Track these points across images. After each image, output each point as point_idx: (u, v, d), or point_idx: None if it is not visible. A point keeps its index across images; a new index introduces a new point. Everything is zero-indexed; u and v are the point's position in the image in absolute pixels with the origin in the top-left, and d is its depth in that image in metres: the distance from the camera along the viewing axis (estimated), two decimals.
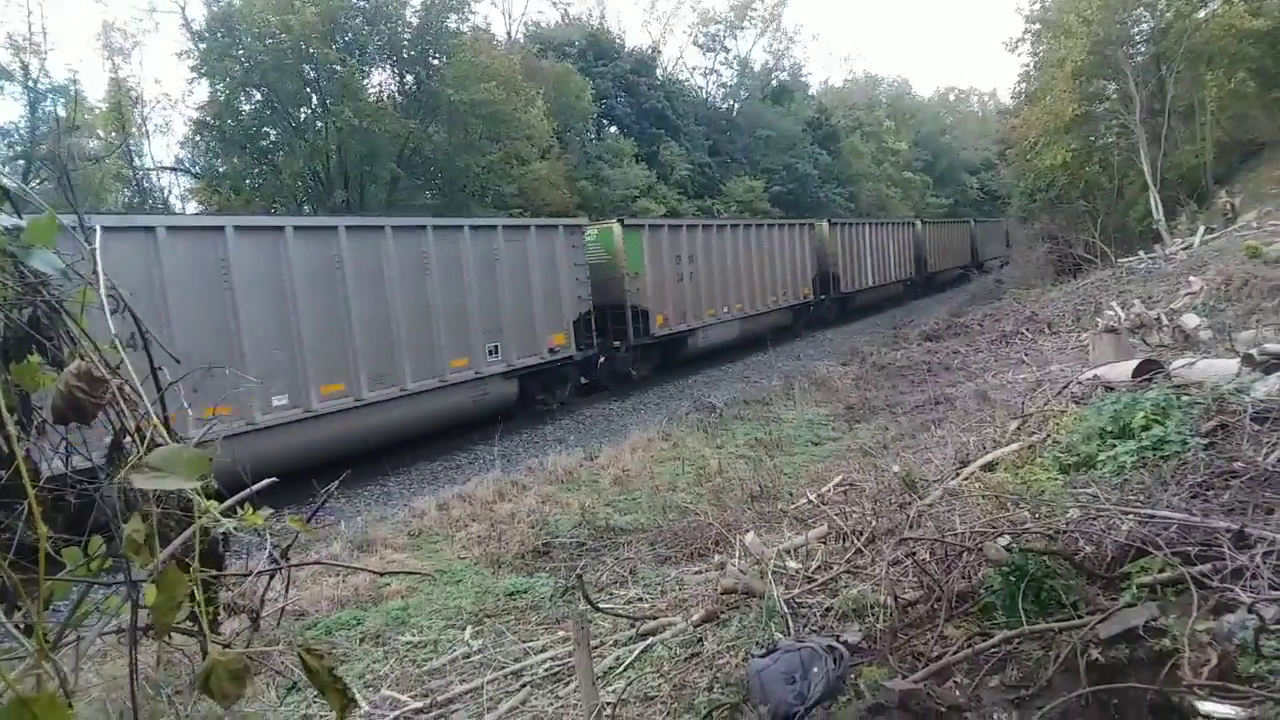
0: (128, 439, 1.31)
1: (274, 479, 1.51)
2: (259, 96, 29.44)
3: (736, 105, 53.39)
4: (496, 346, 16.05)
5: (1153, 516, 4.51)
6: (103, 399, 1.23)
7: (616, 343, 20.66)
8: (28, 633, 1.24)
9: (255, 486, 1.41)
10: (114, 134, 32.37)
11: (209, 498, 1.34)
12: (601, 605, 6.25)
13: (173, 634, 1.42)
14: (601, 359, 20.67)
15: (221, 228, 11.75)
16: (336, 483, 2.07)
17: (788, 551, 6.16)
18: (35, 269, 1.27)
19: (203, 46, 28.45)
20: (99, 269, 1.29)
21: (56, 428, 1.39)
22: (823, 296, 31.64)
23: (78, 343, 1.30)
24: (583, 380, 20.60)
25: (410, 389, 14.12)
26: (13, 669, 0.94)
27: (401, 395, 13.99)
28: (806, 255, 30.05)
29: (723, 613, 5.49)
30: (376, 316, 13.59)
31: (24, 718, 0.89)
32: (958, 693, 3.72)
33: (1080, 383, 8.78)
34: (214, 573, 1.31)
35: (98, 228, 1.60)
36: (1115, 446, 6.05)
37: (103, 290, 1.30)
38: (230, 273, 11.53)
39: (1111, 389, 7.89)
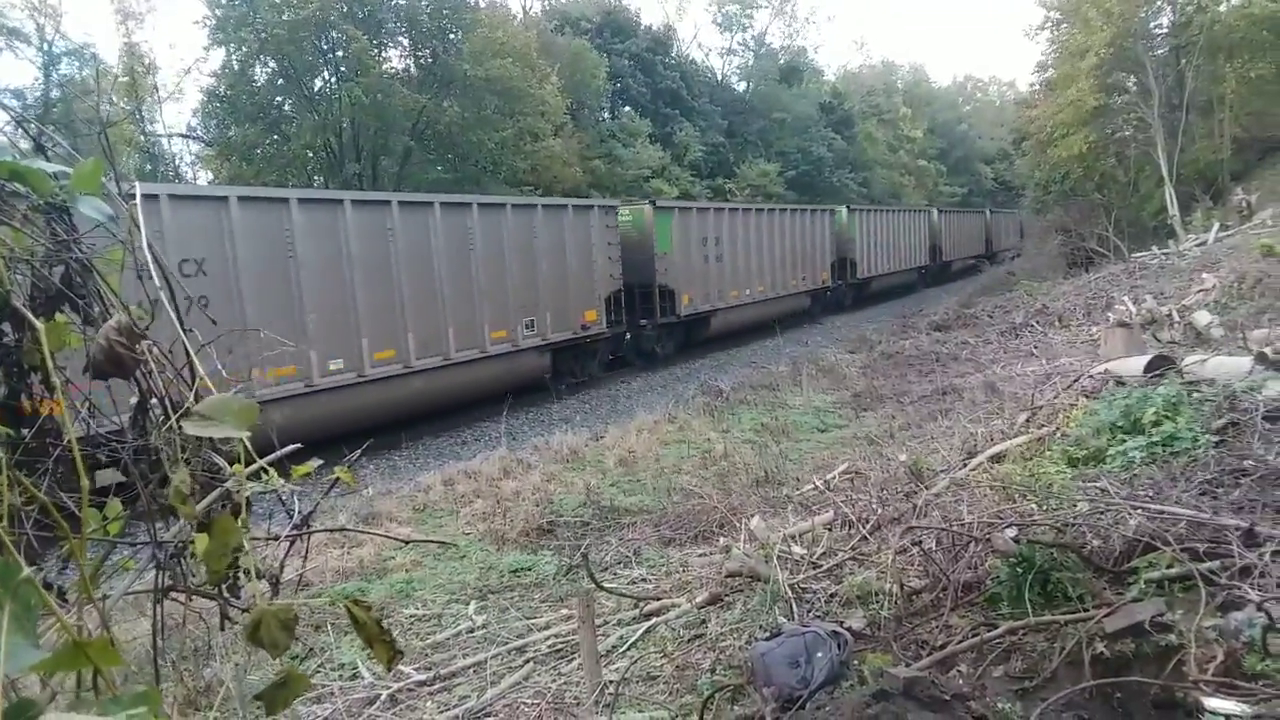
0: (154, 400, 1.31)
1: (298, 445, 1.52)
2: (273, 66, 29.37)
3: (752, 86, 53.09)
4: None
5: (1161, 512, 4.50)
6: (142, 355, 1.23)
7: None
8: (47, 589, 1.24)
9: (282, 451, 1.41)
10: (126, 100, 32.38)
11: (232, 462, 1.34)
12: (605, 585, 6.27)
13: (193, 597, 1.42)
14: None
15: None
16: (360, 450, 2.09)
17: (793, 537, 6.17)
18: (64, 226, 1.26)
19: (219, 13, 28.37)
20: (141, 226, 1.28)
21: (77, 387, 1.39)
22: (643, 322, 20.83)
23: (108, 303, 1.29)
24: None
25: None
26: (41, 628, 0.95)
27: None
28: (600, 259, 18.82)
29: (727, 596, 5.50)
30: None
31: (79, 661, 0.93)
32: (962, 682, 3.72)
33: (1091, 376, 8.74)
34: (245, 535, 1.31)
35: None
36: (1125, 441, 6.03)
37: (146, 249, 1.29)
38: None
39: (1123, 384, 7.86)
